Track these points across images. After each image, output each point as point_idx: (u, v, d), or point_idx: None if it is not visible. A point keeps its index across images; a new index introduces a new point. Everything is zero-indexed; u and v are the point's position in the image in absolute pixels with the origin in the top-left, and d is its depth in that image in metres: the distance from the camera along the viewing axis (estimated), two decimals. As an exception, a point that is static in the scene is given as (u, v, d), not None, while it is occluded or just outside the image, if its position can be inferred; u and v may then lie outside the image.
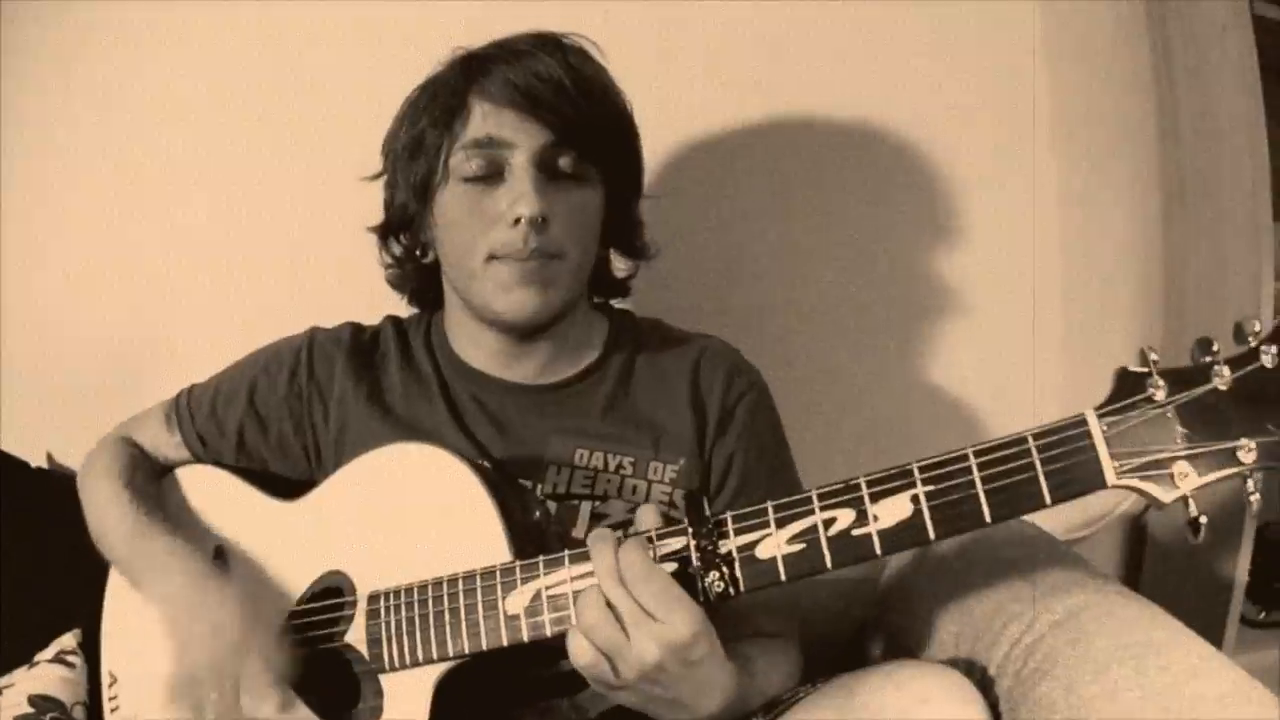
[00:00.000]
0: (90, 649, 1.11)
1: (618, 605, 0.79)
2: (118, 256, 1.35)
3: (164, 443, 1.11)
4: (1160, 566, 1.41)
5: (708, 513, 0.82)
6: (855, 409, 1.45)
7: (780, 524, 0.80)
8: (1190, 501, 0.75)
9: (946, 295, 1.43)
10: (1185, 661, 0.80)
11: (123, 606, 1.06)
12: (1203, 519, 0.75)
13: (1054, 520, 1.17)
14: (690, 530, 0.81)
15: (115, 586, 1.06)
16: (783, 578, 0.79)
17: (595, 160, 1.00)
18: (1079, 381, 1.43)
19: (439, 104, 1.01)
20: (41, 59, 1.32)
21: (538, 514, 1.01)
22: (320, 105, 1.34)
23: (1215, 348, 0.77)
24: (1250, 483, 0.76)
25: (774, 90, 1.38)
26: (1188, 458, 0.75)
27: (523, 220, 0.95)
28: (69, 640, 1.13)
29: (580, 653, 0.80)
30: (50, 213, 1.35)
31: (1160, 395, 0.76)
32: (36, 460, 1.30)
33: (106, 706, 1.05)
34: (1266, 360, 0.75)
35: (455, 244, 1.01)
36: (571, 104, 0.96)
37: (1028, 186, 1.40)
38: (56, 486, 1.09)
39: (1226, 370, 0.75)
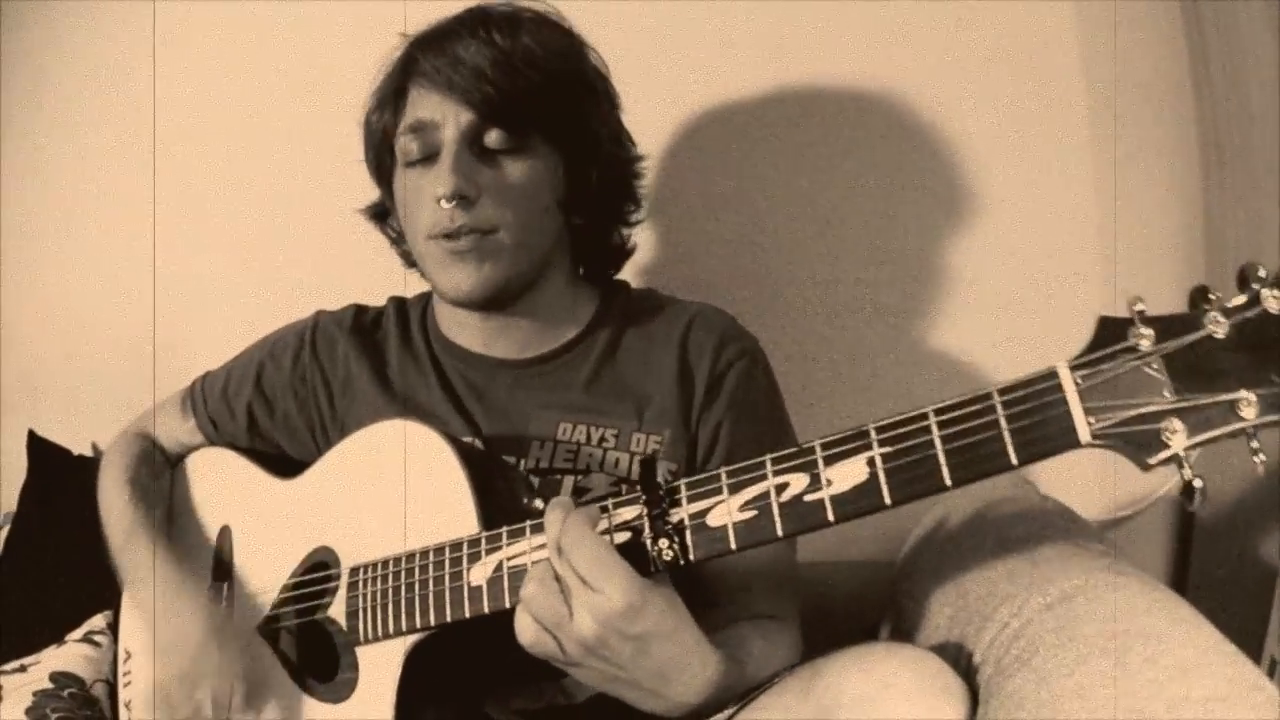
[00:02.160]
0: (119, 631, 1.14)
1: (561, 575, 0.76)
2: (150, 258, 1.41)
3: (180, 429, 1.14)
4: (1208, 560, 1.27)
5: (659, 479, 0.78)
6: (878, 386, 1.37)
7: (733, 490, 0.75)
8: (1184, 463, 0.67)
9: (975, 267, 1.34)
10: (1177, 654, 0.69)
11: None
12: (1198, 483, 0.67)
13: (1087, 503, 1.08)
14: (643, 498, 0.78)
15: None
16: (733, 546, 0.75)
17: (534, 131, 0.98)
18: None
19: (383, 92, 1.03)
20: (73, 63, 1.41)
21: (525, 500, 1.00)
22: (327, 92, 1.33)
23: (1213, 295, 0.69)
24: (1255, 442, 0.67)
25: (795, 58, 1.34)
26: (1178, 413, 0.66)
27: (442, 200, 0.94)
28: (99, 621, 1.18)
29: (523, 629, 0.78)
30: (87, 220, 1.44)
31: (1145, 344, 0.68)
32: (80, 449, 1.37)
33: (120, 681, 1.09)
34: (1270, 305, 0.66)
35: (405, 226, 1.03)
36: (493, 81, 0.94)
37: (1061, 154, 1.31)
38: (96, 474, 1.13)
39: (1222, 316, 0.67)
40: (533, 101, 0.96)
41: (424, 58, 0.98)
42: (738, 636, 0.90)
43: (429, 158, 0.98)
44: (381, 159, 1.05)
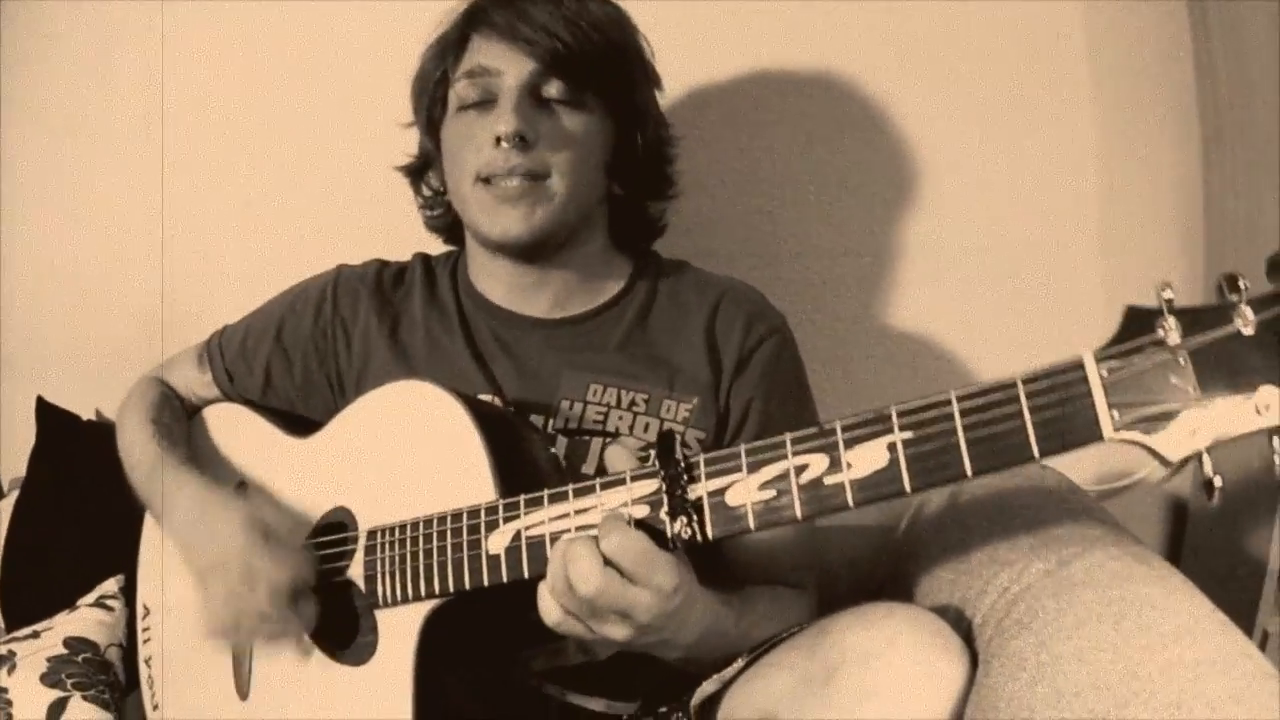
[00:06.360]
0: (132, 593, 1.15)
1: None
2: (155, 224, 1.39)
3: (195, 381, 1.14)
4: (1201, 544, 1.30)
5: (678, 455, 0.78)
6: (893, 355, 1.39)
7: (752, 468, 0.75)
8: (1204, 460, 0.68)
9: (986, 239, 1.37)
10: (1170, 622, 0.71)
11: (157, 541, 1.09)
12: (1217, 480, 0.67)
13: (1080, 472, 1.10)
14: (661, 473, 0.78)
15: (151, 523, 1.11)
16: (751, 526, 0.74)
17: (590, 89, 1.00)
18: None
19: (444, 42, 1.06)
20: (79, 25, 1.39)
21: (551, 450, 1.00)
22: (350, 49, 1.35)
23: (1243, 285, 0.69)
24: (1276, 441, 0.68)
25: (809, 30, 1.36)
26: (1200, 410, 0.67)
27: (502, 138, 0.95)
28: (111, 585, 1.18)
29: (548, 610, 0.80)
30: (93, 183, 1.43)
31: (1173, 338, 0.67)
32: (88, 415, 1.37)
33: (140, 637, 1.10)
34: (1302, 300, 0.67)
35: (452, 171, 1.03)
36: (558, 35, 0.97)
37: (1066, 131, 1.34)
38: (105, 439, 1.13)
39: (1250, 311, 0.67)
40: (594, 60, 0.99)
41: (492, 9, 1.01)
42: (750, 595, 0.93)
43: (484, 103, 0.99)
44: (433, 107, 1.06)
